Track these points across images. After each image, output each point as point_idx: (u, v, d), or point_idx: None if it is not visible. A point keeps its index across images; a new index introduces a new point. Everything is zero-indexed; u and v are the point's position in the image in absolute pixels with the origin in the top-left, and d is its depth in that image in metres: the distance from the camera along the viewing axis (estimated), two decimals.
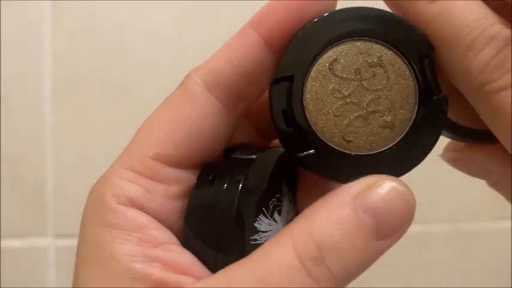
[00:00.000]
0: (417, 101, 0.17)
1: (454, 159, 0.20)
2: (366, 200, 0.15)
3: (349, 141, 0.16)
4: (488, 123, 0.16)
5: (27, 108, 0.46)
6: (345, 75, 0.17)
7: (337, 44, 0.17)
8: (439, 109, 0.17)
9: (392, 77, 0.17)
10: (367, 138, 0.17)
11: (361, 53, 0.17)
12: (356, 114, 0.17)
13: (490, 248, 0.50)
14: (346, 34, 0.17)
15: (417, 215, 0.52)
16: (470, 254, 0.50)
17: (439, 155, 0.21)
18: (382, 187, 0.16)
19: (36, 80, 0.46)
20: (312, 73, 0.17)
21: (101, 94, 0.47)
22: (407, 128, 0.17)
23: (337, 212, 0.15)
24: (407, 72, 0.17)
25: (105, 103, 0.47)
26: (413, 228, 0.53)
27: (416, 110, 0.17)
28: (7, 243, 0.46)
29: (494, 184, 0.21)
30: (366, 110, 0.17)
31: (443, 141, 0.20)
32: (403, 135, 0.17)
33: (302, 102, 0.16)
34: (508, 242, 0.50)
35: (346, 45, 0.17)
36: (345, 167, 0.16)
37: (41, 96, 0.46)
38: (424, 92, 0.17)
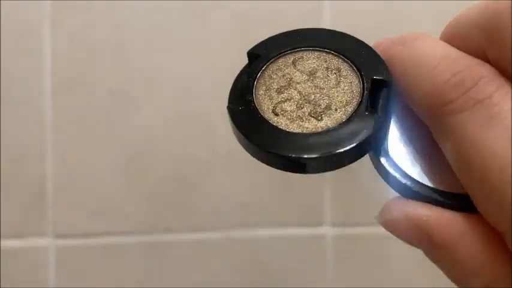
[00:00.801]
0: (353, 112, 0.18)
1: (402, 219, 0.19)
2: None
3: (275, 114, 0.18)
4: (443, 147, 0.17)
5: (27, 108, 0.46)
6: (301, 69, 0.19)
7: (308, 50, 0.19)
8: (365, 126, 0.17)
9: (341, 85, 0.18)
10: (292, 120, 0.18)
11: (325, 61, 0.19)
12: (294, 97, 0.18)
13: None
14: (319, 45, 0.19)
15: None
16: None
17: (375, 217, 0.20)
18: None
19: (36, 80, 0.46)
20: (277, 60, 0.20)
21: (101, 94, 0.47)
22: (330, 127, 0.18)
23: None
24: (358, 89, 0.18)
25: (105, 103, 0.47)
26: None
27: (347, 118, 0.18)
28: (7, 243, 0.46)
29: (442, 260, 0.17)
30: (304, 98, 0.18)
31: None
32: (323, 130, 0.18)
33: (256, 75, 0.20)
34: None
35: (315, 53, 0.19)
36: (259, 130, 0.18)
37: (41, 96, 0.46)
38: (362, 108, 0.18)
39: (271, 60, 0.20)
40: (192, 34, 0.47)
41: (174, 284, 0.48)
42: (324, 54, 0.19)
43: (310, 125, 0.18)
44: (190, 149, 0.47)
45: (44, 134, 0.46)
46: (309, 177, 0.48)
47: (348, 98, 0.18)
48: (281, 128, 0.18)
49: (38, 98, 0.46)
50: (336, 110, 0.18)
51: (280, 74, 0.19)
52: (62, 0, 0.46)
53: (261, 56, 0.20)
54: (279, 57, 0.20)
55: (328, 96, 0.18)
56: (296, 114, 0.18)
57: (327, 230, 0.49)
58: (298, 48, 0.20)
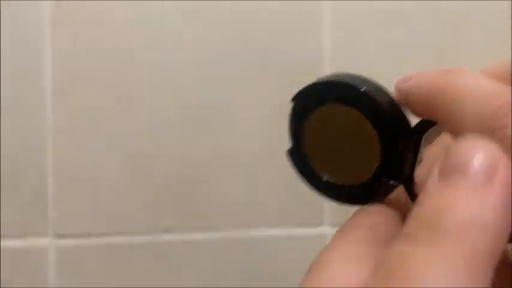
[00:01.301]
0: (373, 175, 0.19)
1: None
2: None
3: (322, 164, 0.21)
4: None
5: (27, 108, 0.46)
6: (337, 123, 0.20)
7: (342, 104, 0.20)
8: (381, 190, 0.19)
9: (363, 138, 0.19)
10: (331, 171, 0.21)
11: (352, 118, 0.20)
12: (331, 149, 0.21)
13: None
14: (352, 101, 0.20)
15: None
16: None
17: None
18: None
19: (36, 80, 0.46)
20: (320, 109, 0.21)
21: (101, 94, 0.47)
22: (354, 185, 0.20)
23: None
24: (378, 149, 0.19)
25: (106, 103, 0.47)
26: None
27: (367, 180, 0.20)
28: (7, 243, 0.46)
29: None
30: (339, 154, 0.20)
31: None
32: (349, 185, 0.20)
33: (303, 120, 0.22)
34: None
35: (347, 109, 0.20)
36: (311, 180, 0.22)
37: (41, 96, 0.46)
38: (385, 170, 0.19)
39: (315, 109, 0.21)
40: (192, 34, 0.47)
41: (174, 284, 0.48)
42: (354, 111, 0.20)
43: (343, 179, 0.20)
44: (190, 150, 0.47)
45: (44, 134, 0.46)
46: None
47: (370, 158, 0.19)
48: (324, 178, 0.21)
49: (38, 98, 0.46)
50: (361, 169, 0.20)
51: (321, 126, 0.21)
52: (62, 0, 0.46)
53: (306, 103, 0.22)
54: (321, 106, 0.21)
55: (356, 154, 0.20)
56: (333, 167, 0.21)
57: (327, 230, 0.49)
58: (337, 100, 0.21)
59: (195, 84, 0.47)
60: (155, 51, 0.47)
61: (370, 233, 0.18)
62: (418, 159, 0.19)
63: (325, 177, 0.21)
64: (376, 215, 0.19)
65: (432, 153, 0.20)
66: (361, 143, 0.20)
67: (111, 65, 0.46)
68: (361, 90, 0.19)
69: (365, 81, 0.20)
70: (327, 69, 0.48)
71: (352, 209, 0.20)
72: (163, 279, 0.47)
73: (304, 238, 0.48)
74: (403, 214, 0.18)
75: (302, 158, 0.22)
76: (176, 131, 0.47)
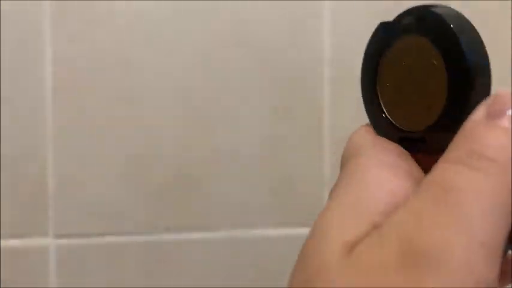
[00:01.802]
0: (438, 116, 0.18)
1: None
2: None
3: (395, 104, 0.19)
4: None
5: (27, 108, 0.46)
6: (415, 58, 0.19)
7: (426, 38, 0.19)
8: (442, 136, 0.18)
9: (433, 80, 0.18)
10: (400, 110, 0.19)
11: (423, 48, 0.19)
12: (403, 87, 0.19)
13: None
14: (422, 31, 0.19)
15: None
16: None
17: None
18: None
19: (36, 80, 0.46)
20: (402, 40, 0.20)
21: (101, 94, 0.47)
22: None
23: None
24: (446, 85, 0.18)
25: (105, 103, 0.47)
26: None
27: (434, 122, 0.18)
28: (7, 243, 0.46)
29: None
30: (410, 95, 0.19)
31: None
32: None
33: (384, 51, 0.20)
34: None
35: (416, 38, 0.20)
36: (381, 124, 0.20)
37: (41, 96, 0.46)
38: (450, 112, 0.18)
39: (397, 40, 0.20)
40: (192, 34, 0.47)
41: (174, 284, 0.48)
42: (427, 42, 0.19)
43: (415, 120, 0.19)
44: (190, 150, 0.47)
45: (44, 134, 0.46)
46: (309, 178, 0.48)
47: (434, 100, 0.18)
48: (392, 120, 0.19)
49: (38, 98, 0.46)
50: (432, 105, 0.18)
51: (400, 60, 0.20)
52: (62, 0, 0.46)
53: (393, 30, 0.20)
54: (404, 38, 0.20)
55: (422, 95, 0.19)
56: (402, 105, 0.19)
57: None
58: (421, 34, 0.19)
59: (195, 84, 0.47)
60: (155, 51, 0.47)
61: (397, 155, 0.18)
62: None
63: (385, 114, 0.20)
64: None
65: None
66: (428, 86, 0.19)
67: (111, 65, 0.46)
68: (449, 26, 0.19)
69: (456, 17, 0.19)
70: (327, 69, 0.48)
71: None
72: (163, 279, 0.47)
73: (304, 238, 0.48)
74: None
75: (371, 83, 0.21)
76: (176, 131, 0.47)
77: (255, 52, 0.47)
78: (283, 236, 0.48)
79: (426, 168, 0.17)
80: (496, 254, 0.15)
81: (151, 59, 0.47)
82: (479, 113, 0.17)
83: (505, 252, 0.16)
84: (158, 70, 0.47)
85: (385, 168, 0.18)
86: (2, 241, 0.45)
